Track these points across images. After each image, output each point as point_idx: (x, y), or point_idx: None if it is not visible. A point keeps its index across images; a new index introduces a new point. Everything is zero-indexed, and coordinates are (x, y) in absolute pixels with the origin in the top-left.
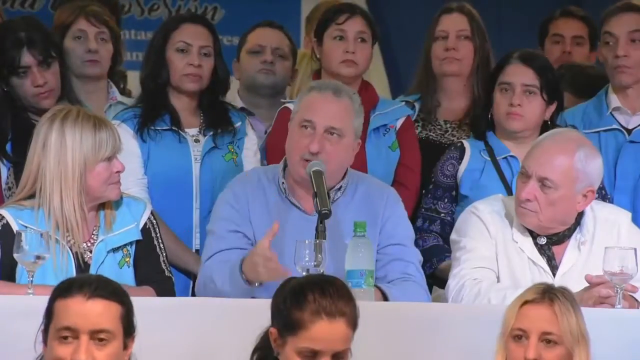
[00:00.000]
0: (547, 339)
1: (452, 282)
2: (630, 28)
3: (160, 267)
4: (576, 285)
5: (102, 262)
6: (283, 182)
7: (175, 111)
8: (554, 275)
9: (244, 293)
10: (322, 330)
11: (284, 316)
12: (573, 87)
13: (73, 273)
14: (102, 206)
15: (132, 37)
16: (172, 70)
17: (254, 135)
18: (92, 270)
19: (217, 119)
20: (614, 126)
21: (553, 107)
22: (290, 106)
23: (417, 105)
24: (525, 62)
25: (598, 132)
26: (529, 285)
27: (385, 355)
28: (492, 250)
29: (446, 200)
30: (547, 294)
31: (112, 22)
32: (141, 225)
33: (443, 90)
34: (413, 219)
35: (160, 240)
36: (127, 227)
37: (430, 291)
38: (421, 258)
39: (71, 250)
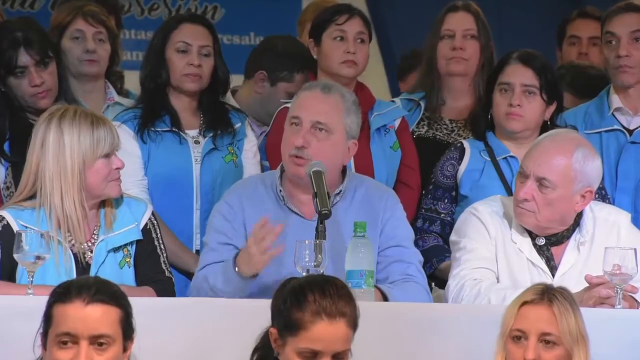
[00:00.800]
0: (546, 340)
1: (452, 283)
2: (632, 28)
3: (160, 268)
4: (575, 285)
5: (103, 262)
6: (281, 190)
7: (175, 112)
8: (553, 275)
9: (236, 288)
10: (323, 331)
11: (284, 316)
12: (573, 88)
13: (74, 273)
14: (102, 205)
15: (132, 37)
16: (172, 71)
17: (253, 137)
18: (93, 270)
19: (217, 120)
20: (616, 127)
21: (553, 108)
22: (289, 106)
23: (422, 104)
24: (524, 62)
25: (599, 132)
26: (528, 286)
27: (385, 356)
28: (492, 250)
29: (446, 200)
30: (546, 294)
31: (109, 22)
32: (142, 226)
33: (448, 89)
34: (417, 218)
35: (160, 241)
36: (128, 227)
37: (430, 291)
38: (422, 258)
39: (72, 250)
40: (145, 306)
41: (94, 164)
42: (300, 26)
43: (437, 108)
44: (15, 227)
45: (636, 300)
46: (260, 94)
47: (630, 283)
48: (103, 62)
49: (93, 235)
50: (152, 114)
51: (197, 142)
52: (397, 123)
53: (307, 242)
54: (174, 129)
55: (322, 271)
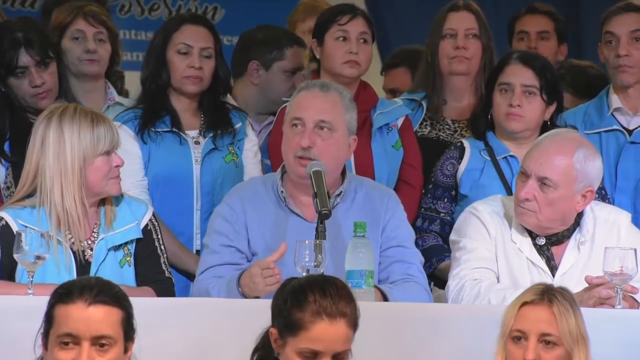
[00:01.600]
0: (546, 340)
1: (452, 283)
2: (632, 28)
3: (160, 268)
4: (576, 285)
5: (103, 260)
6: (282, 191)
7: (175, 113)
8: (553, 275)
9: None
10: (323, 331)
11: (284, 316)
12: (573, 88)
13: (74, 271)
14: (102, 203)
15: (132, 37)
16: (172, 72)
17: (254, 136)
18: (93, 269)
19: (217, 121)
20: (615, 127)
21: (553, 108)
22: None
23: (424, 104)
24: (524, 62)
25: (599, 132)
26: (528, 286)
27: (385, 356)
28: (492, 250)
29: (446, 200)
30: (546, 294)
31: (110, 22)
32: (142, 226)
33: (449, 89)
34: (417, 217)
35: (161, 242)
36: (128, 225)
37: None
38: (422, 259)
39: (72, 248)
40: (145, 306)
41: (94, 162)
42: (290, 26)
43: (439, 108)
44: (15, 227)
45: (636, 301)
46: (257, 85)
47: (630, 283)
48: (103, 62)
49: (93, 234)
50: (153, 115)
51: (197, 143)
52: (400, 122)
53: (307, 242)
54: (174, 130)
55: (322, 271)
